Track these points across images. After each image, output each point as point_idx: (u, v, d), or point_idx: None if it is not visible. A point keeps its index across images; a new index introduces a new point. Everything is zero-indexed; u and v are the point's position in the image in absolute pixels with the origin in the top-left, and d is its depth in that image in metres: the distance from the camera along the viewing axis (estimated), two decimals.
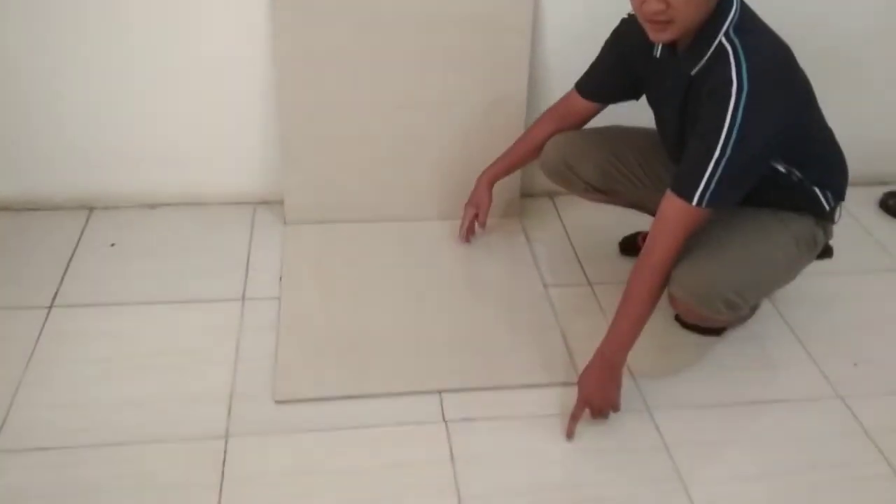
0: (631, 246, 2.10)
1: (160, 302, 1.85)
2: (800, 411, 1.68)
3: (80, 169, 2.10)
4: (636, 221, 2.05)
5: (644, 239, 2.01)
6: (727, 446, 1.60)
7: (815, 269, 1.72)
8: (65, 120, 2.02)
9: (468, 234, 2.07)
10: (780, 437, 1.62)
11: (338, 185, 2.11)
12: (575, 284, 2.00)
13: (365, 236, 2.10)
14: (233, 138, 2.11)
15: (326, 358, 1.73)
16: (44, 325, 1.76)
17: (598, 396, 1.57)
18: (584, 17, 2.00)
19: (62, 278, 1.90)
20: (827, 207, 1.63)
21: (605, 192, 1.87)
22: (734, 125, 1.37)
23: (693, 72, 1.47)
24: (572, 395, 1.60)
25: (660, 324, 1.81)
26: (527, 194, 2.29)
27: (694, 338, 1.84)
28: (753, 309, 1.88)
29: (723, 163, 1.39)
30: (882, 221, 2.32)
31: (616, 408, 1.60)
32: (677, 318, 1.85)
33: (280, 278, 1.95)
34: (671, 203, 1.46)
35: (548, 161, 1.86)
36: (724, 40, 1.41)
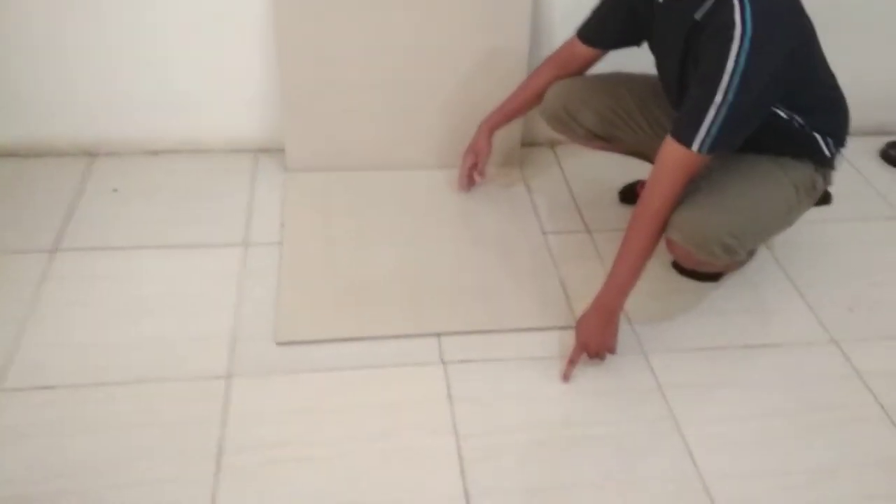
0: (630, 194, 2.10)
1: (162, 246, 1.86)
2: (794, 355, 1.70)
3: (83, 115, 2.10)
4: (636, 170, 2.06)
5: (643, 187, 2.02)
6: (721, 389, 1.63)
7: (813, 215, 1.73)
8: (67, 67, 2.01)
9: (467, 183, 2.07)
10: (774, 380, 1.64)
11: (339, 132, 2.11)
12: (574, 232, 2.01)
13: (365, 184, 2.11)
14: (234, 85, 2.11)
15: (327, 302, 1.75)
16: (47, 269, 1.78)
17: (595, 341, 1.59)
18: None
19: (65, 223, 1.91)
20: (827, 154, 1.63)
21: (605, 138, 1.87)
22: (736, 70, 1.36)
23: (697, 16, 1.46)
24: (569, 338, 1.63)
25: (657, 270, 1.82)
26: (527, 143, 2.28)
27: (690, 283, 1.85)
28: (750, 254, 1.89)
29: (724, 108, 1.38)
30: (883, 171, 2.32)
31: (613, 351, 1.62)
32: (674, 265, 1.87)
33: (281, 224, 1.96)
34: (671, 148, 1.46)
35: (548, 108, 1.85)
36: None
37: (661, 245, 1.57)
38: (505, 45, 2.05)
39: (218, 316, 1.70)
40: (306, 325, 1.68)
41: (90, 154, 2.15)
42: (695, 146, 1.42)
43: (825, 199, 1.73)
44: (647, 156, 1.90)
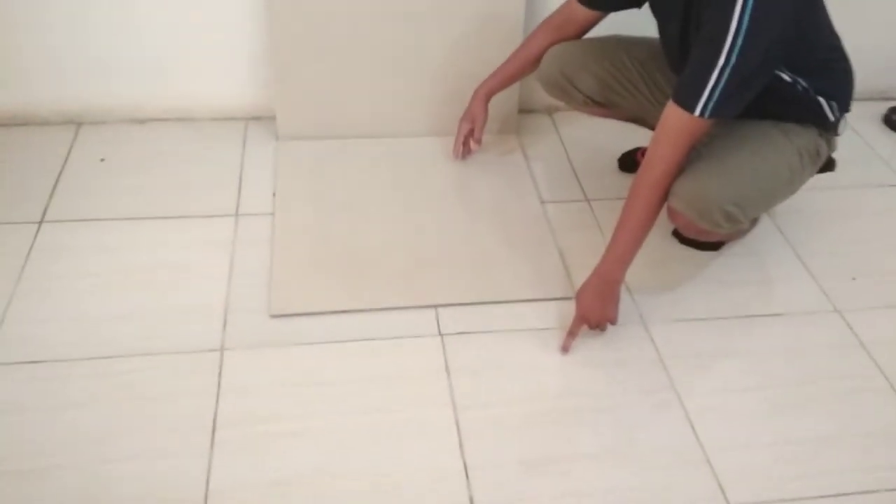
0: (630, 162, 2.06)
1: (152, 217, 1.83)
2: (797, 325, 1.68)
3: (67, 83, 2.05)
4: (635, 137, 2.02)
5: (643, 154, 1.98)
6: (722, 359, 1.61)
7: (816, 183, 1.70)
8: (50, 32, 1.95)
9: (463, 151, 2.03)
10: (776, 350, 1.62)
11: (331, 99, 2.06)
12: (572, 200, 1.98)
13: (358, 152, 2.07)
14: (223, 52, 2.06)
15: (321, 273, 1.71)
16: (34, 240, 1.74)
17: (595, 312, 1.57)
18: None
19: (52, 193, 1.87)
20: (831, 118, 1.59)
21: (604, 104, 1.82)
22: (739, 31, 1.32)
23: None
24: (569, 309, 1.60)
25: (657, 239, 1.79)
26: (524, 110, 2.24)
27: (691, 252, 1.82)
28: (753, 223, 1.86)
29: (727, 71, 1.34)
30: (886, 137, 2.29)
31: (614, 322, 1.59)
32: (675, 234, 1.84)
33: (273, 194, 1.92)
34: (673, 113, 1.42)
35: (545, 73, 1.81)
36: None
37: (661, 213, 1.53)
38: (500, 8, 2.00)
39: (210, 288, 1.66)
40: (300, 298, 1.65)
41: (76, 122, 2.10)
42: (697, 110, 1.38)
43: (829, 165, 1.70)
44: (648, 122, 1.86)
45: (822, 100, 1.57)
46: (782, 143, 1.57)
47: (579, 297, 1.58)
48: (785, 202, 1.68)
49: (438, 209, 1.91)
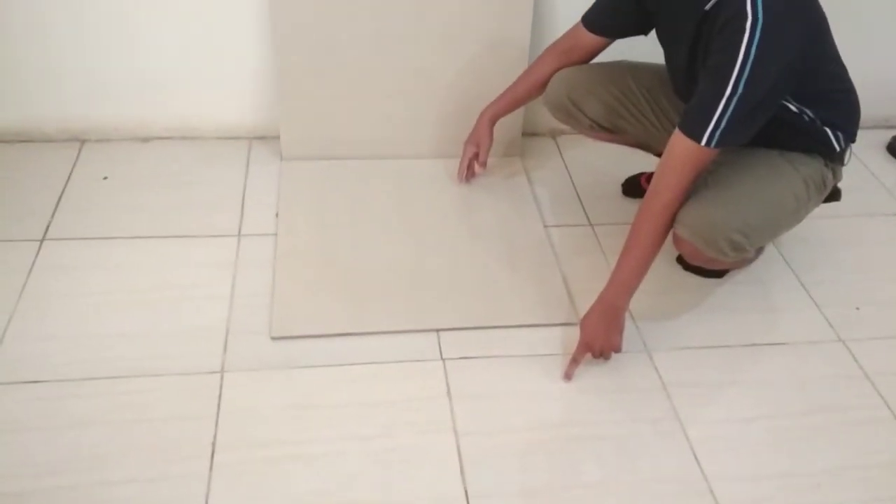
0: (634, 187, 2.06)
1: (154, 236, 1.82)
2: (801, 354, 1.67)
3: (71, 100, 2.05)
4: (639, 162, 2.03)
5: (647, 180, 1.99)
6: (726, 388, 1.60)
7: (819, 211, 1.69)
8: (56, 50, 1.96)
9: (468, 174, 2.03)
10: (780, 379, 1.61)
11: (335, 120, 2.06)
12: (576, 225, 1.97)
13: (363, 173, 2.06)
14: (228, 71, 2.06)
15: (323, 295, 1.70)
16: (36, 258, 1.73)
17: (599, 339, 1.55)
18: None
19: (54, 211, 1.86)
20: (837, 148, 1.59)
21: (610, 130, 1.82)
22: (747, 61, 1.32)
23: (707, 7, 1.42)
24: (572, 335, 1.59)
25: (662, 266, 1.78)
26: (529, 133, 2.24)
27: (695, 280, 1.82)
28: (759, 252, 1.86)
29: (734, 101, 1.35)
30: (890, 165, 2.29)
31: (618, 350, 1.58)
32: (679, 260, 1.83)
33: (276, 215, 1.91)
34: (680, 142, 1.42)
35: (552, 97, 1.81)
36: None
37: (668, 240, 1.53)
38: (507, 31, 2.00)
39: (211, 309, 1.65)
40: (302, 320, 1.64)
41: (80, 140, 2.10)
42: (704, 140, 1.38)
43: (835, 195, 1.70)
44: (653, 148, 1.87)
45: (828, 130, 1.57)
46: (788, 172, 1.57)
47: (583, 324, 1.57)
48: (790, 231, 1.67)
49: (442, 232, 1.91)
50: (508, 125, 2.05)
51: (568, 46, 1.78)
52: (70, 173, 1.99)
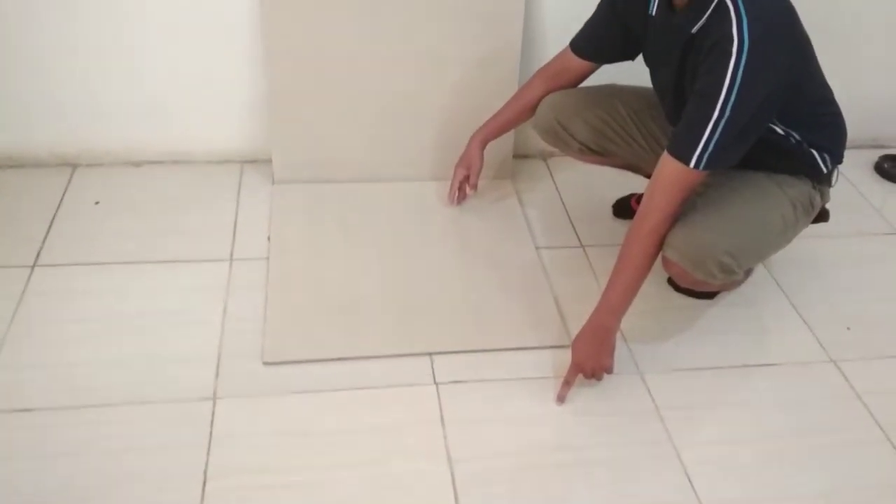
0: (624, 208, 2.07)
1: (146, 262, 1.82)
2: (792, 375, 1.67)
3: (63, 125, 2.05)
4: (630, 183, 2.04)
5: (638, 201, 2.00)
6: (719, 410, 1.60)
7: (809, 231, 1.70)
8: (48, 74, 1.96)
9: (458, 196, 2.03)
10: (772, 400, 1.62)
11: (327, 143, 2.07)
12: (567, 246, 1.98)
13: (354, 196, 2.07)
14: (219, 95, 2.06)
15: (315, 319, 1.70)
16: (27, 284, 1.73)
17: (591, 361, 1.55)
18: None
19: (46, 236, 1.86)
20: (825, 170, 1.61)
21: (599, 152, 1.83)
22: (734, 85, 1.34)
23: (694, 30, 1.43)
24: (564, 357, 1.59)
25: (652, 287, 1.78)
26: (519, 155, 2.25)
27: (686, 301, 1.82)
28: (747, 274, 1.87)
29: (721, 124, 1.36)
30: (878, 185, 2.31)
31: (610, 371, 1.58)
32: (670, 282, 1.84)
33: (268, 238, 1.91)
34: (668, 165, 1.44)
35: (541, 120, 1.82)
36: None
37: (657, 262, 1.54)
38: (497, 54, 2.02)
39: (203, 334, 1.65)
40: (294, 345, 1.64)
41: (71, 164, 2.10)
42: (692, 163, 1.40)
43: (823, 216, 1.71)
44: (642, 170, 1.88)
45: (815, 152, 1.58)
46: (776, 194, 1.58)
47: (575, 345, 1.57)
48: (779, 252, 1.68)
49: (433, 255, 1.91)
50: (499, 147, 2.05)
51: (556, 71, 1.80)
52: (62, 198, 1.99)
